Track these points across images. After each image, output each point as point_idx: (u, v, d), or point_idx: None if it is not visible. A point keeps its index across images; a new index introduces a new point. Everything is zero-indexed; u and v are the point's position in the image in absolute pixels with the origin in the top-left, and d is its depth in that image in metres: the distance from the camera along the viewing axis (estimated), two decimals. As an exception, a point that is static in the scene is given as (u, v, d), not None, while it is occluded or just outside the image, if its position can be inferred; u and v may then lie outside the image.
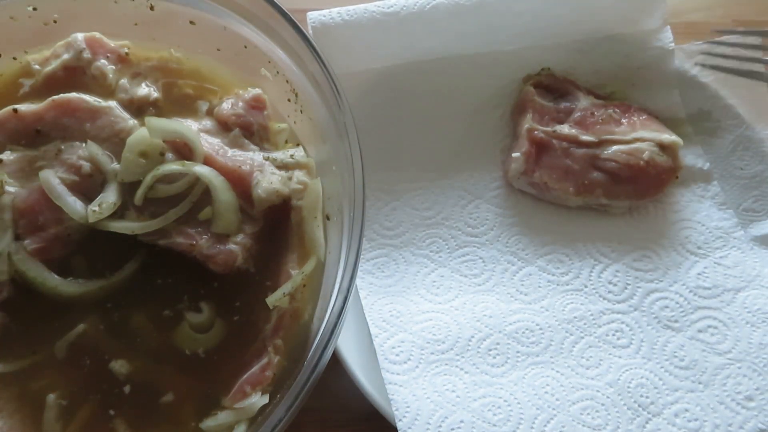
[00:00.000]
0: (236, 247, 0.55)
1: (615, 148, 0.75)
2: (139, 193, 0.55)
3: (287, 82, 0.61)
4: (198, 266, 0.55)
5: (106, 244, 0.56)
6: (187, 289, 0.56)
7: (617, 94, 0.82)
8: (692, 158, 0.80)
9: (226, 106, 0.61)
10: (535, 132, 0.76)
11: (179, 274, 0.56)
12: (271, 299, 0.53)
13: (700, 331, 0.71)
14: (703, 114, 0.82)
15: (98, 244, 0.56)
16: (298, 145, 0.62)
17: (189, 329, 0.54)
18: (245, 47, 0.62)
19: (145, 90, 0.60)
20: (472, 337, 0.68)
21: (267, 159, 0.59)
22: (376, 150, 0.77)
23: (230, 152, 0.58)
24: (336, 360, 0.63)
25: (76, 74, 0.60)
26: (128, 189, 0.56)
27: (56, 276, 0.54)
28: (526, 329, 0.69)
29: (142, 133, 0.55)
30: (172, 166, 0.55)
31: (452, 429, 0.62)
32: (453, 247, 0.75)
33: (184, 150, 0.57)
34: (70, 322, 0.54)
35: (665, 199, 0.79)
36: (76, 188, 0.55)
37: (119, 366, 0.54)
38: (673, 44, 0.80)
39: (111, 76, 0.60)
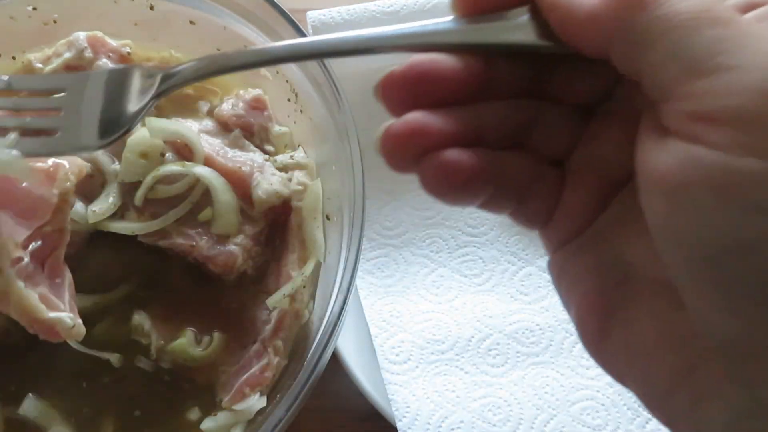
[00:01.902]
0: (236, 248, 0.55)
1: (615, 147, 0.75)
2: (140, 193, 0.55)
3: (287, 82, 0.61)
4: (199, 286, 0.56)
5: (105, 250, 0.56)
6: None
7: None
8: (693, 158, 0.80)
9: (227, 107, 0.60)
10: (536, 132, 0.76)
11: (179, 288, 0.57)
12: (272, 301, 0.53)
13: (700, 331, 0.71)
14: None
15: (98, 248, 0.56)
16: (298, 146, 0.62)
17: (187, 346, 0.54)
18: (245, 47, 0.62)
19: (147, 90, 0.60)
20: (472, 337, 0.68)
21: (267, 160, 0.59)
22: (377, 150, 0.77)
23: (230, 153, 0.58)
24: (336, 360, 0.63)
25: (77, 73, 0.60)
26: (128, 190, 0.55)
27: None
28: (526, 329, 0.69)
29: (142, 133, 0.55)
30: (173, 167, 0.55)
31: (452, 429, 0.62)
32: (453, 247, 0.75)
33: (184, 151, 0.57)
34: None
35: (665, 199, 0.78)
36: (76, 189, 0.55)
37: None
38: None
39: (113, 75, 0.60)
